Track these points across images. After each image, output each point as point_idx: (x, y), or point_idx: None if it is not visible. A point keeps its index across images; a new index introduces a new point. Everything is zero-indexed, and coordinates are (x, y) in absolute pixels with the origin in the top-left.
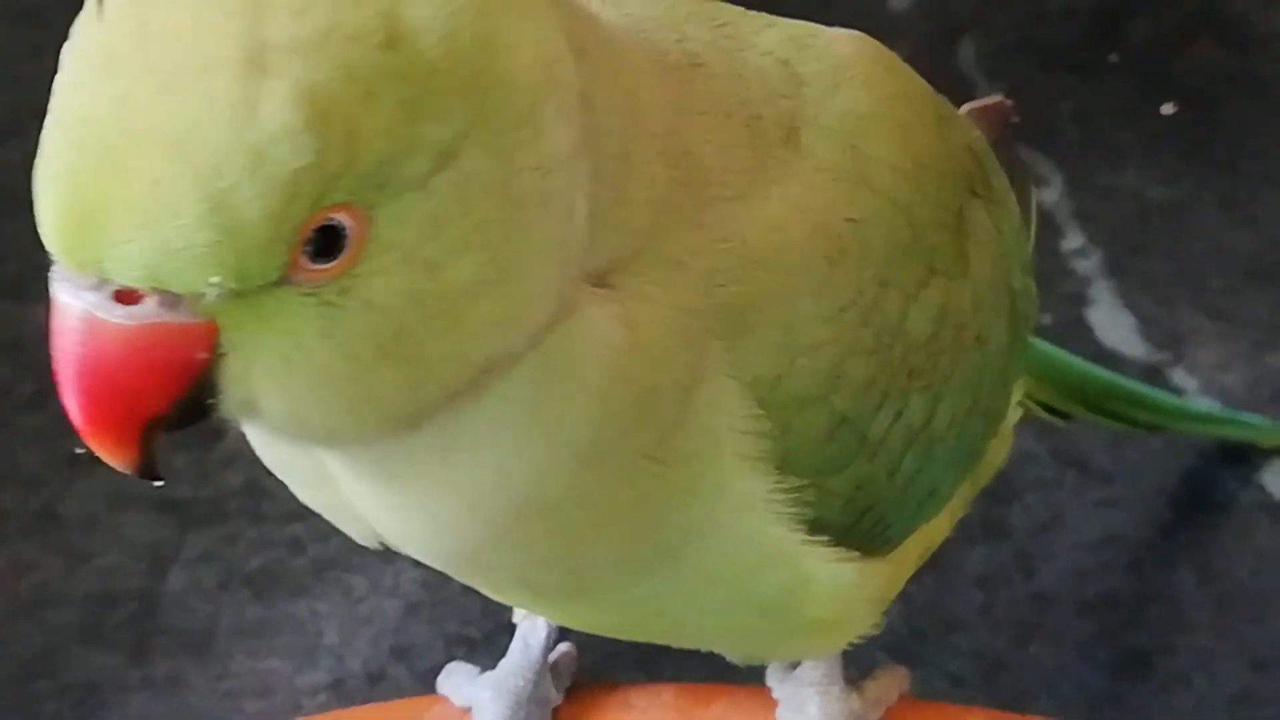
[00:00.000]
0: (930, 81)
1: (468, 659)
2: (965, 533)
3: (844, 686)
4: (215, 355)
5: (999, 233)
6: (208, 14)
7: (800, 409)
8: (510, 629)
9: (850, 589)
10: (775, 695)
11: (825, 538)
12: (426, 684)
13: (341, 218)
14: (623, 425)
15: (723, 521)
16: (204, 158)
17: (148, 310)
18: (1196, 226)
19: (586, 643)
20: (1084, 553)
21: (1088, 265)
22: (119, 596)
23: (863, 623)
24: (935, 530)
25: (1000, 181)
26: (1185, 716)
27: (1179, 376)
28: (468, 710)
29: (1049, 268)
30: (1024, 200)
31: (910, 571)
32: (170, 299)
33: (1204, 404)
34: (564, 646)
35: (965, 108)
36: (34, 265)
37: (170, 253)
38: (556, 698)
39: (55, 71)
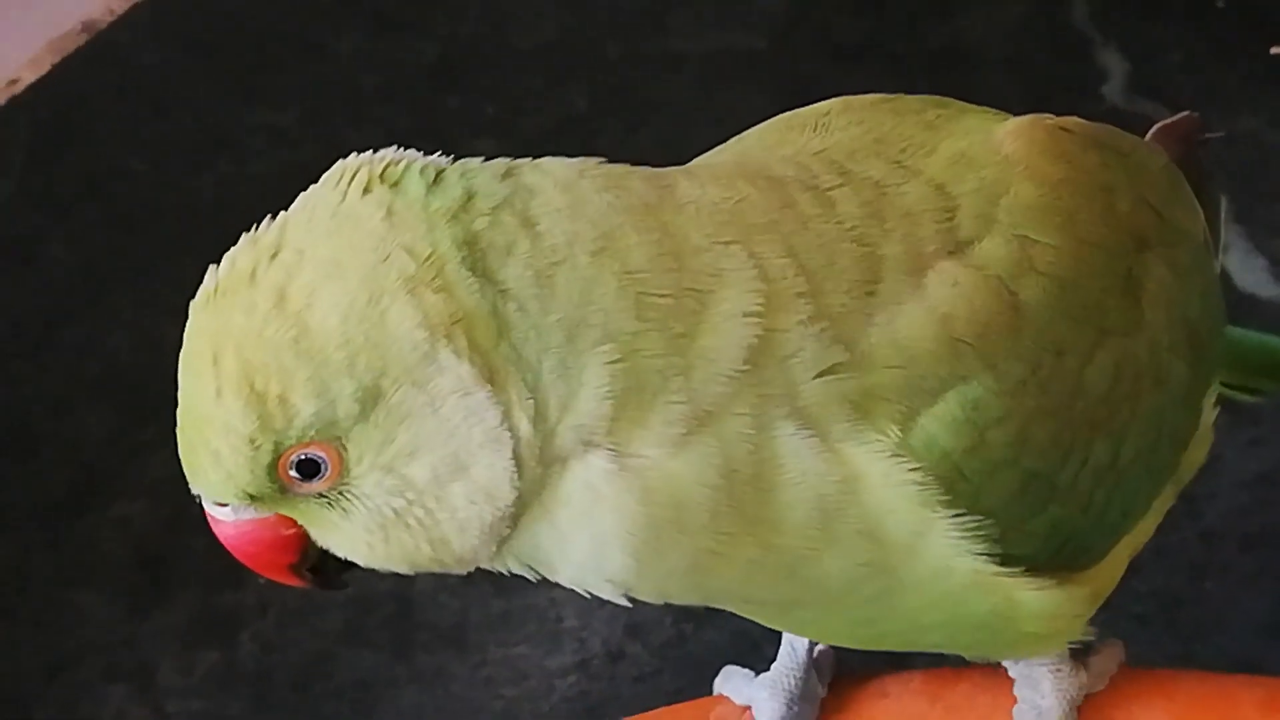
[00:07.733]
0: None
1: (694, 635)
2: None
3: (1072, 664)
4: (302, 531)
5: (1174, 274)
6: (204, 340)
7: (993, 472)
8: None
9: (1058, 606)
10: (1011, 674)
11: (1027, 569)
12: (662, 658)
13: (311, 451)
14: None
15: (923, 564)
16: (207, 432)
17: (228, 511)
18: None
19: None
20: (1241, 490)
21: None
22: (376, 599)
23: (1074, 631)
24: (1140, 535)
25: (1181, 210)
26: None
27: None
28: (747, 708)
29: None
30: (1212, 214)
31: (1118, 577)
32: (235, 505)
33: None
34: (823, 647)
35: (1155, 128)
36: None
37: (206, 484)
38: (822, 692)
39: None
